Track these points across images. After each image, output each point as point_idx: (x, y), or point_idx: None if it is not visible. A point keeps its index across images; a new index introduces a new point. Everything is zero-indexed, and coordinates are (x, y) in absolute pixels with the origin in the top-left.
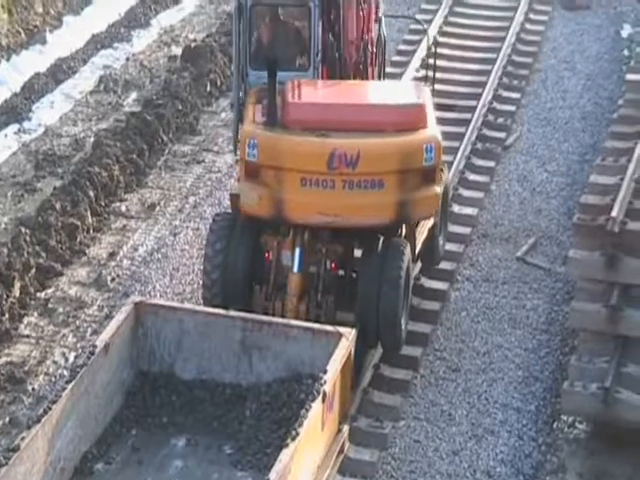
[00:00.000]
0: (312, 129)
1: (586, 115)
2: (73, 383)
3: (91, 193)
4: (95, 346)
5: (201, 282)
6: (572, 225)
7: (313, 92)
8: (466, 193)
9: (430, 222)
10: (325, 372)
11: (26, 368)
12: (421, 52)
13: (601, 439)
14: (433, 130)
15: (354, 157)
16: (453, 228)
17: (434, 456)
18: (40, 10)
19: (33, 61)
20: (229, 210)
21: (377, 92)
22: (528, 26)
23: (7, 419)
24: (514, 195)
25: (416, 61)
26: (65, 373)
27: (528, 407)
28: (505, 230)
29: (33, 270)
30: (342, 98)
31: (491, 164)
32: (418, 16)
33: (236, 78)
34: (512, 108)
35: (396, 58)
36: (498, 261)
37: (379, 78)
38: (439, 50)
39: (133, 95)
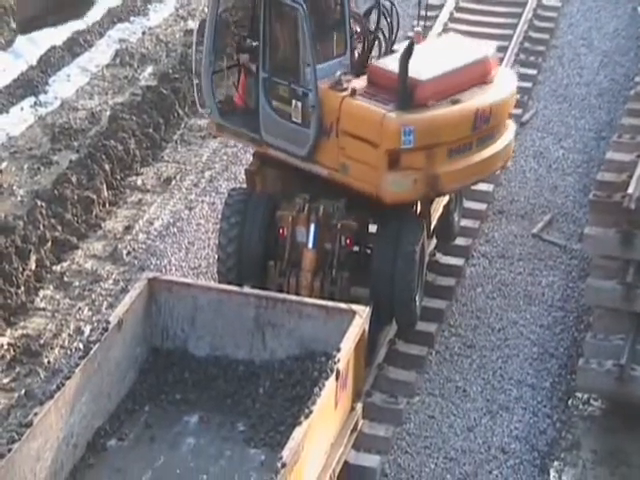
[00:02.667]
0: (443, 99)
1: (603, 92)
2: (86, 359)
3: (107, 167)
4: (108, 322)
5: (216, 256)
6: (588, 202)
7: (421, 66)
8: None
9: (445, 198)
10: (339, 350)
11: (42, 341)
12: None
13: (616, 416)
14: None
15: (487, 114)
16: (469, 204)
17: (449, 432)
18: None
19: (49, 34)
20: (244, 185)
21: (461, 50)
22: (545, 2)
23: (22, 392)
24: (530, 171)
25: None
26: (80, 346)
27: (543, 384)
28: (521, 207)
29: (49, 243)
30: (448, 64)
31: None
32: None
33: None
34: (528, 85)
35: None
36: (514, 237)
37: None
38: (455, 26)
39: (149, 69)
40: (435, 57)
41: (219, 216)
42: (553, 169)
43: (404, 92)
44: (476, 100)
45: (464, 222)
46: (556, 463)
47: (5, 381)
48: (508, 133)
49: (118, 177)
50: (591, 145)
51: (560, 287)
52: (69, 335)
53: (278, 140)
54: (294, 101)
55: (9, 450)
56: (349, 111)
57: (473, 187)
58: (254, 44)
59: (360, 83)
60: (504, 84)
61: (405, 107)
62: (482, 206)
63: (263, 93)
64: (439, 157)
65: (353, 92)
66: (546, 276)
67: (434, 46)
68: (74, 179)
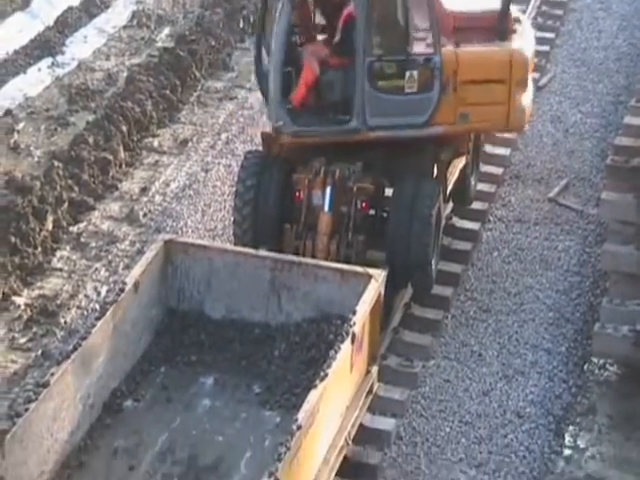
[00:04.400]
0: None
1: (621, 56)
2: (102, 320)
3: (124, 128)
4: (125, 283)
5: (232, 219)
6: (605, 167)
7: None
8: (498, 133)
9: (462, 162)
10: (354, 313)
11: (58, 301)
12: None
13: (632, 381)
14: None
15: None
16: (485, 168)
17: (464, 396)
18: None
19: None
20: (261, 148)
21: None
22: None
23: (39, 352)
24: (547, 136)
25: None
26: (97, 307)
27: (559, 348)
28: (537, 171)
29: (66, 204)
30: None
31: None
32: None
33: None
34: (546, 48)
35: None
36: (530, 202)
37: None
38: None
39: (166, 30)
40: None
41: (235, 179)
42: (570, 133)
43: (506, 27)
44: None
45: (480, 186)
46: (571, 428)
47: (22, 341)
48: None
49: (135, 138)
50: (609, 109)
51: (576, 252)
52: (85, 296)
53: (389, 119)
54: (408, 72)
55: (26, 410)
56: (469, 61)
57: (490, 151)
58: (334, 37)
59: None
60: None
61: (505, 40)
62: (499, 170)
63: (368, 78)
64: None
65: (456, 44)
66: (562, 241)
67: None
68: (91, 140)
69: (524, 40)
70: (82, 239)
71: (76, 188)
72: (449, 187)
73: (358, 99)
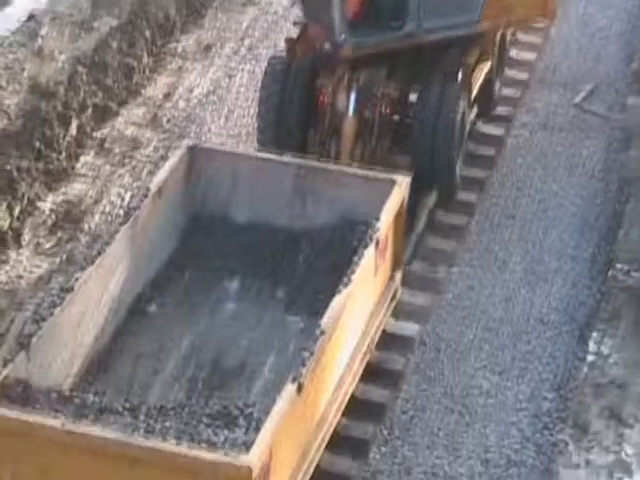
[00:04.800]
0: None
1: None
2: (126, 225)
3: (147, 33)
4: (148, 189)
5: (256, 124)
6: (631, 72)
7: None
8: (524, 37)
9: (487, 66)
10: (378, 219)
11: (83, 207)
12: None
13: None
14: None
15: None
16: (510, 73)
17: (487, 302)
18: None
19: None
20: (284, 53)
21: None
22: None
23: (64, 257)
24: (573, 41)
25: None
26: (121, 213)
27: (583, 255)
28: (563, 76)
29: (90, 109)
30: None
31: None
32: None
33: None
34: None
35: None
36: (555, 107)
37: None
38: None
39: None
40: None
41: (259, 84)
42: (597, 38)
43: None
44: None
45: (505, 91)
46: (595, 334)
47: (47, 246)
48: None
49: (158, 44)
50: (636, 14)
51: (601, 158)
52: (110, 201)
53: (443, 19)
54: None
55: (51, 314)
56: None
57: (515, 55)
58: None
59: None
60: None
61: None
62: (524, 75)
63: None
64: None
65: None
66: (587, 147)
67: None
68: (115, 45)
69: None
70: (106, 144)
71: (100, 93)
72: (474, 92)
73: (413, 1)
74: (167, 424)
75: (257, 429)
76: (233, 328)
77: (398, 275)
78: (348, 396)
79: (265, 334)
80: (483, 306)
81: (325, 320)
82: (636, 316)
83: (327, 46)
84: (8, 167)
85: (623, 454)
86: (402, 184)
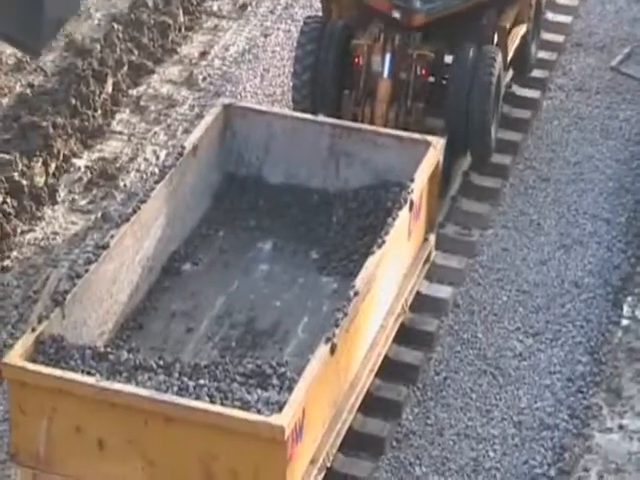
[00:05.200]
0: None
1: None
2: (161, 184)
3: None
4: (183, 147)
5: (291, 84)
6: None
7: None
8: (560, 0)
9: (523, 29)
10: (412, 181)
11: (118, 164)
12: None
13: None
14: None
15: None
16: (546, 36)
17: (522, 265)
18: None
19: None
20: (320, 13)
21: None
22: None
23: (99, 214)
24: (610, 3)
25: None
26: (156, 171)
27: (618, 219)
28: (599, 39)
29: (125, 67)
30: None
31: None
32: None
33: None
34: None
35: None
36: (591, 70)
37: None
38: None
39: None
40: None
41: (294, 44)
42: (634, 0)
43: None
44: None
45: (541, 54)
46: (630, 298)
47: (82, 203)
48: None
49: (194, 2)
50: None
51: (638, 121)
52: (145, 159)
53: None
54: None
55: (86, 271)
56: None
57: (551, 18)
58: None
59: None
60: None
61: None
62: (560, 38)
63: None
64: None
65: None
66: (624, 110)
67: None
68: (150, 3)
69: None
70: (141, 102)
71: (136, 51)
72: (509, 54)
73: None
74: (201, 382)
75: (290, 389)
76: (267, 288)
77: (432, 237)
78: (381, 357)
79: (299, 295)
80: (517, 269)
81: (359, 281)
82: None
83: (396, 14)
84: (44, 124)
85: None
86: (437, 146)
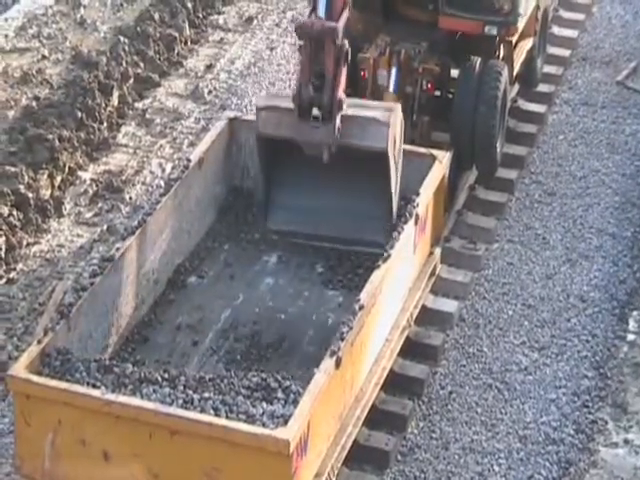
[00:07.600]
0: None
1: None
2: (167, 196)
3: (189, 4)
4: (189, 160)
5: None
6: None
7: None
8: (566, 15)
9: (529, 43)
10: (418, 195)
11: (124, 177)
12: None
13: None
14: None
15: None
16: (552, 50)
17: (527, 279)
18: None
19: None
20: None
21: None
22: None
23: (105, 227)
24: (616, 18)
25: None
26: (161, 184)
27: (624, 233)
28: (605, 53)
29: (131, 80)
30: None
31: None
32: None
33: None
34: None
35: None
36: (597, 85)
37: None
38: None
39: None
40: None
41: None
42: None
43: None
44: None
45: (547, 68)
46: (635, 313)
47: (88, 216)
48: None
49: (200, 15)
50: None
51: None
52: (150, 172)
53: None
54: None
55: (91, 284)
56: None
57: (557, 32)
58: None
59: None
60: None
61: None
62: (566, 52)
63: None
64: None
65: None
66: (630, 124)
67: None
68: (156, 16)
69: None
70: (147, 115)
71: (141, 64)
72: (515, 69)
73: None
74: (205, 395)
75: (295, 402)
76: (272, 301)
77: (437, 251)
78: (387, 371)
79: (304, 308)
80: (523, 283)
81: (364, 295)
82: None
83: (493, 30)
84: (50, 137)
85: None
86: (443, 160)
